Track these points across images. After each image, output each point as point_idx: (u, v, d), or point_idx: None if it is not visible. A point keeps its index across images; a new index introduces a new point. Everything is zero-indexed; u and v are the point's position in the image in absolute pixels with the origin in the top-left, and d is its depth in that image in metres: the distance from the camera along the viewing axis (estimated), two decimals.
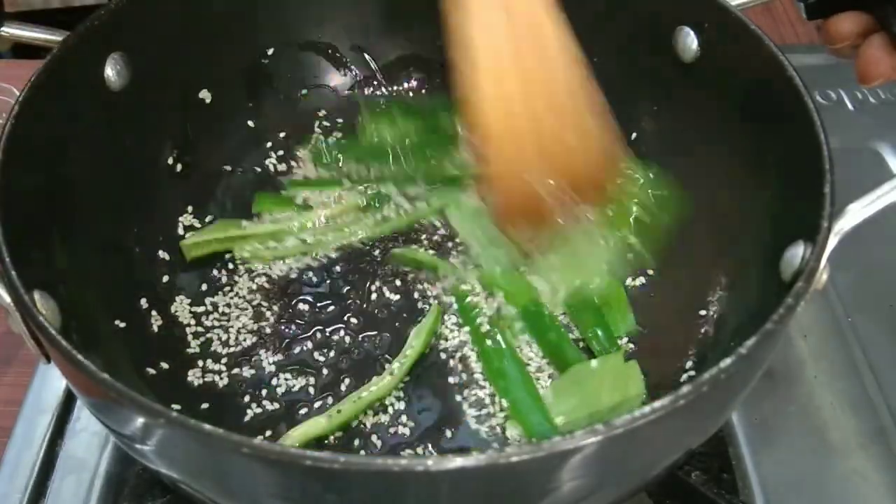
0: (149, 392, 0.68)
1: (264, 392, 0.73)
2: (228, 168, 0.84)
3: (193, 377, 0.73)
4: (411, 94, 0.90)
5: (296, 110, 0.86)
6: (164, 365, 0.72)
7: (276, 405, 0.72)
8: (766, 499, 0.72)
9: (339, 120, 0.89)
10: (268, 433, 0.70)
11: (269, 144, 0.87)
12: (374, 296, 0.78)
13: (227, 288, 0.79)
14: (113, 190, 0.73)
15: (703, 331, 0.72)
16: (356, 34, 0.88)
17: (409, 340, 0.74)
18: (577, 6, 0.79)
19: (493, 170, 0.71)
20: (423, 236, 0.82)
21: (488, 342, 0.74)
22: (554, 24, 0.67)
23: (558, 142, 0.70)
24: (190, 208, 0.81)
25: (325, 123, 0.89)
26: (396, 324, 0.77)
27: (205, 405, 0.71)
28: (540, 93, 0.69)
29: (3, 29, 0.71)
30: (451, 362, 0.74)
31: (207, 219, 0.82)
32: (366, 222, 0.82)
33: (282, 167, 0.86)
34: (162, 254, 0.78)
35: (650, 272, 0.79)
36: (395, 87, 0.91)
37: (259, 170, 0.86)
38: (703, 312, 0.73)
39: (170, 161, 0.80)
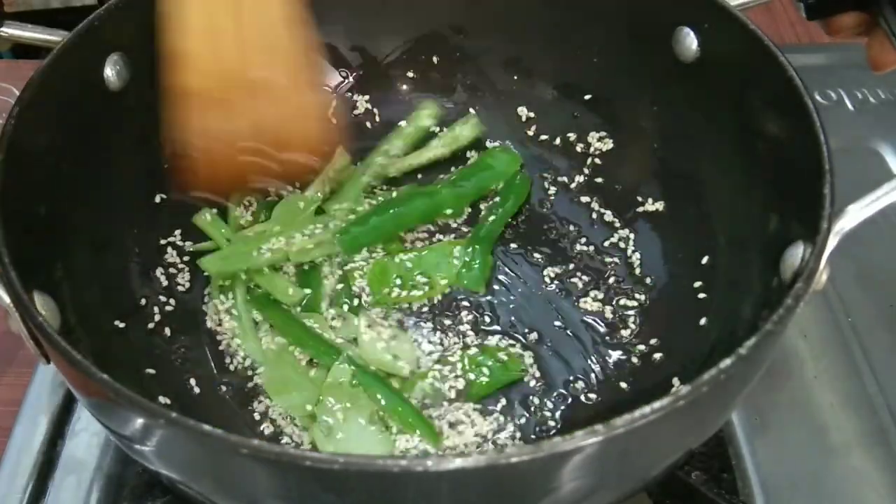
0: (148, 392, 0.68)
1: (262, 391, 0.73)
2: None
3: (194, 377, 0.73)
4: (407, 97, 0.91)
5: None
6: (164, 365, 0.72)
7: (278, 408, 0.72)
8: (766, 499, 0.72)
9: (338, 121, 0.89)
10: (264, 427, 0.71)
11: None
12: None
13: (229, 290, 0.79)
14: (112, 190, 0.73)
15: (703, 331, 0.72)
16: (356, 34, 0.88)
17: None
18: (577, 6, 0.80)
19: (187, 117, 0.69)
20: None
21: None
22: None
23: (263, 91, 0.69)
24: (189, 208, 0.81)
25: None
26: None
27: (205, 405, 0.72)
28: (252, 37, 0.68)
29: (2, 29, 0.71)
30: None
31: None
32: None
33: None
34: (162, 254, 0.79)
35: (649, 278, 0.80)
36: (392, 87, 0.91)
37: None
38: (703, 313, 0.74)
39: (169, 161, 0.79)
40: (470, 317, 0.79)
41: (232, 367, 0.75)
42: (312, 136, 0.73)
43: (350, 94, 0.90)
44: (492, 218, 0.83)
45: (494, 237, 0.83)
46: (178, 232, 0.81)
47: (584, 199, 0.85)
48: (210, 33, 0.67)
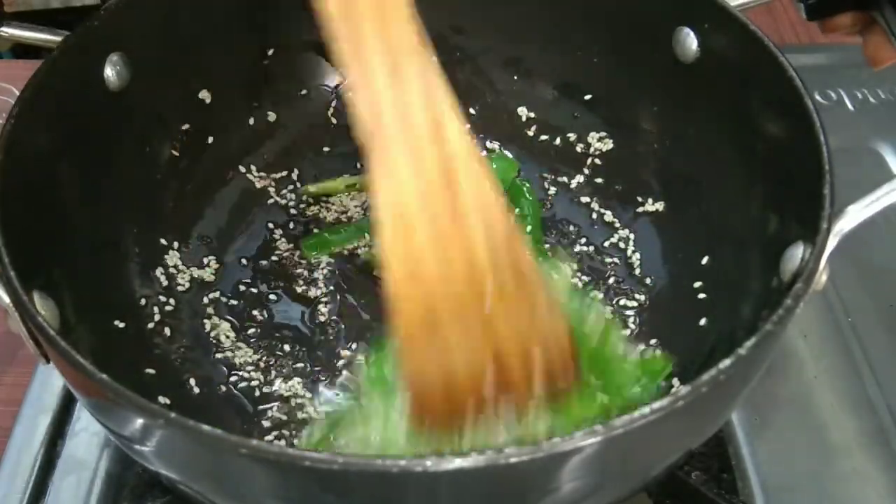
0: (148, 392, 0.68)
1: (262, 392, 0.74)
2: (228, 168, 0.84)
3: (194, 377, 0.73)
4: None
5: (296, 110, 0.86)
6: (164, 365, 0.72)
7: (278, 409, 0.73)
8: (766, 499, 0.72)
9: (339, 121, 0.89)
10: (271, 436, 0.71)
11: (268, 144, 0.87)
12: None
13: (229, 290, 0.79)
14: (112, 190, 0.73)
15: (703, 332, 0.72)
16: None
17: None
18: (577, 6, 0.80)
19: (408, 357, 0.58)
20: None
21: None
22: (483, 173, 0.58)
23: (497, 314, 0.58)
24: (189, 208, 0.82)
25: (327, 123, 0.89)
26: None
27: (204, 405, 0.72)
28: (459, 252, 0.57)
29: (2, 29, 0.70)
30: None
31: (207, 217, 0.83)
32: None
33: (282, 171, 0.87)
34: (162, 254, 0.79)
35: (649, 278, 0.80)
36: None
37: (259, 170, 0.86)
38: (703, 313, 0.74)
39: (169, 161, 0.80)
40: None
41: (233, 368, 0.75)
42: (558, 342, 0.62)
43: (350, 93, 0.90)
44: (528, 228, 0.83)
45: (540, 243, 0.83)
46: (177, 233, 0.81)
47: (584, 199, 0.85)
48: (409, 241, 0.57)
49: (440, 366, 0.58)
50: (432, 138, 0.57)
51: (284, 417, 0.72)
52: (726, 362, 0.49)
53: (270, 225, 0.84)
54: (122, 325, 0.71)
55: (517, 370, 0.60)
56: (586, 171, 0.86)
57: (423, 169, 0.57)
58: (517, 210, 0.84)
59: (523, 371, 0.60)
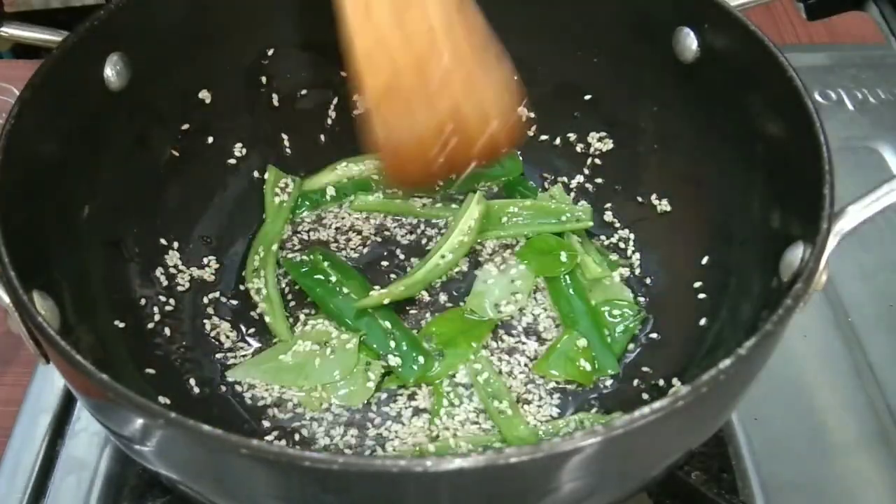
0: (148, 392, 0.68)
1: (262, 391, 0.74)
2: (228, 168, 0.84)
3: (194, 377, 0.73)
4: None
5: (296, 110, 0.86)
6: (164, 365, 0.72)
7: (276, 408, 0.73)
8: (766, 499, 0.72)
9: (336, 120, 0.89)
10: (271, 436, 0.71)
11: (268, 144, 0.87)
12: None
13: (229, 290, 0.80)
14: (112, 190, 0.73)
15: (703, 332, 0.72)
16: None
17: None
18: (578, 7, 0.80)
19: (378, 122, 0.68)
20: None
21: None
22: None
23: (446, 89, 0.67)
24: (189, 208, 0.82)
25: (327, 123, 0.89)
26: None
27: (204, 405, 0.72)
28: (422, 37, 0.65)
29: (3, 29, 0.71)
30: None
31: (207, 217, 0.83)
32: None
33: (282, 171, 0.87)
34: (162, 254, 0.79)
35: (649, 279, 0.80)
36: None
37: (258, 170, 0.86)
38: (703, 313, 0.74)
39: (169, 161, 0.80)
40: None
41: (231, 367, 0.75)
42: (505, 105, 0.72)
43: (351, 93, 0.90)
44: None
45: None
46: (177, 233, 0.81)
47: (584, 199, 0.85)
48: (379, 34, 0.66)
49: (406, 126, 0.67)
50: None
51: (284, 417, 0.72)
52: (726, 362, 0.49)
53: None
54: (122, 325, 0.71)
55: (470, 128, 0.69)
56: (586, 171, 0.86)
57: None
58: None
59: (475, 130, 0.69)
